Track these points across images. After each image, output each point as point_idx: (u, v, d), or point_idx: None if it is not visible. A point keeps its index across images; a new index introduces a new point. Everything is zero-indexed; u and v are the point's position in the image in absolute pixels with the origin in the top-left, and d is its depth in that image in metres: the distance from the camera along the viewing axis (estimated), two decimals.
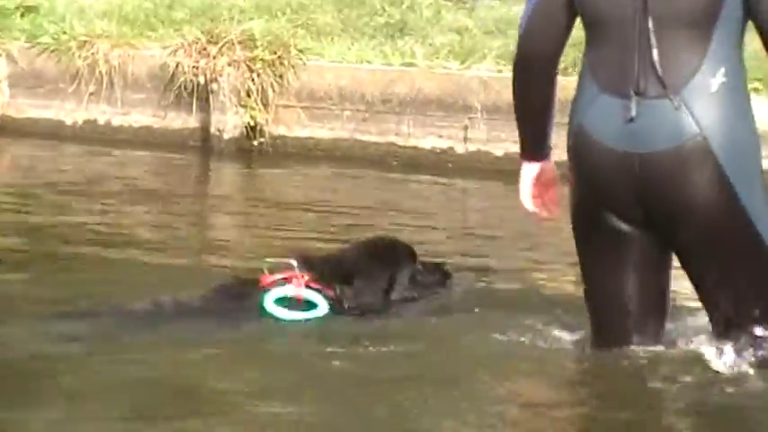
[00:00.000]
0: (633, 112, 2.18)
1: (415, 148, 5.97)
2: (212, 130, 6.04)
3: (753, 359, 2.35)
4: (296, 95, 6.03)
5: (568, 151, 2.41)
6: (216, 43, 5.98)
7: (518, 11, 3.06)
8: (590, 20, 2.30)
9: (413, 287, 3.05)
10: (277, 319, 2.84)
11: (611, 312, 2.44)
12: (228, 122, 6.00)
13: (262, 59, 5.93)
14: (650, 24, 2.16)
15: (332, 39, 6.19)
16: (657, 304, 2.46)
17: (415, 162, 5.96)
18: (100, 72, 6.13)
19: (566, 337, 2.72)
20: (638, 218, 2.29)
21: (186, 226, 4.78)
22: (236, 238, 4.66)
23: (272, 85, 5.95)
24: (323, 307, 2.86)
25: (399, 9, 6.54)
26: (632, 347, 2.42)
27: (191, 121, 6.13)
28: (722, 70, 2.16)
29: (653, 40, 2.16)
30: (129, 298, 2.98)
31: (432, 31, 6.32)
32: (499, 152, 5.89)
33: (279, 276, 2.90)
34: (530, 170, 2.55)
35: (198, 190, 5.88)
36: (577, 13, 2.33)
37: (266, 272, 2.92)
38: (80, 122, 6.35)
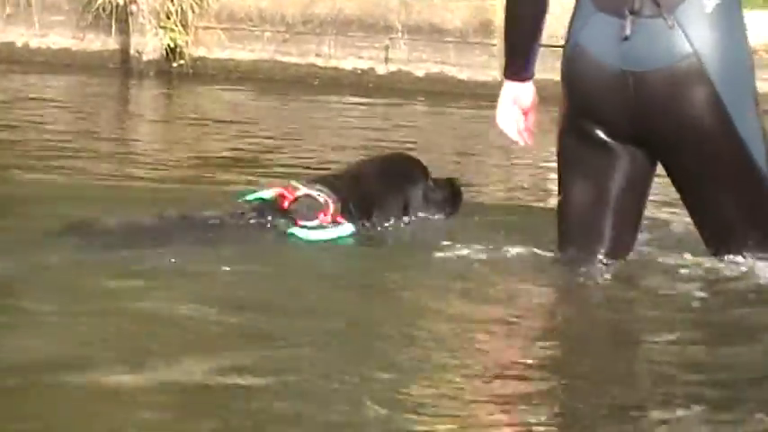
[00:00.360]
0: (628, 31, 2.19)
1: (335, 68, 5.96)
2: (132, 52, 6.01)
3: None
4: (216, 17, 6.00)
5: (563, 69, 2.39)
6: None
7: None
8: None
9: (426, 205, 3.11)
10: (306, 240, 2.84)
11: (586, 224, 2.45)
12: (148, 44, 5.98)
13: None
14: None
15: None
16: (632, 220, 2.46)
17: (336, 83, 5.95)
18: None
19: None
20: (628, 135, 2.29)
21: (105, 142, 4.76)
22: (155, 153, 4.63)
23: (191, 7, 5.92)
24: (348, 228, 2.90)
25: None
26: (600, 257, 2.44)
27: (110, 42, 6.10)
28: None
29: None
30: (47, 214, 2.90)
31: None
32: (420, 72, 5.90)
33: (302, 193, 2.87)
34: (510, 89, 2.49)
35: (117, 110, 5.84)
36: None
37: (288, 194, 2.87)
38: None
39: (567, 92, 2.39)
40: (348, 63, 5.94)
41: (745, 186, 2.30)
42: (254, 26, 5.98)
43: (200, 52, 6.02)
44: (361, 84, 5.93)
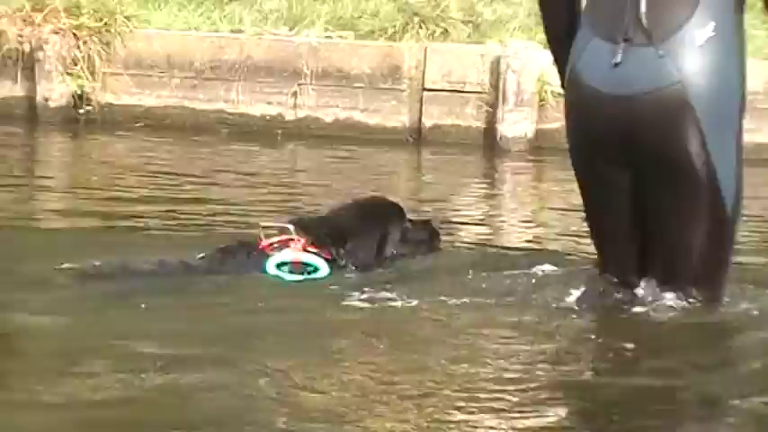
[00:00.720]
0: (619, 57, 2.25)
1: (244, 114, 5.96)
2: (38, 98, 5.97)
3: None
4: (123, 63, 5.98)
5: (564, 95, 2.52)
6: (41, 11, 5.91)
7: None
8: None
9: (403, 244, 3.14)
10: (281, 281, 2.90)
11: (613, 248, 2.54)
12: (55, 91, 5.94)
13: (88, 27, 5.87)
14: None
15: (159, 6, 6.14)
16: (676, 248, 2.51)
17: (245, 129, 5.96)
18: None
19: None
20: (623, 161, 2.34)
21: (9, 192, 4.71)
22: (63, 202, 4.62)
23: (98, 53, 5.90)
24: (323, 268, 2.94)
25: None
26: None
27: (16, 89, 6.06)
28: (711, 25, 2.23)
29: None
30: None
31: None
32: (329, 118, 5.91)
33: (276, 240, 2.97)
34: None
35: (24, 157, 5.78)
36: None
37: (262, 237, 2.97)
38: None
39: (567, 115, 2.51)
40: (257, 109, 5.95)
41: (707, 222, 2.35)
42: (162, 72, 5.97)
43: (107, 98, 5.99)
44: (270, 130, 5.93)
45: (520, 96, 5.66)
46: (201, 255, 2.93)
